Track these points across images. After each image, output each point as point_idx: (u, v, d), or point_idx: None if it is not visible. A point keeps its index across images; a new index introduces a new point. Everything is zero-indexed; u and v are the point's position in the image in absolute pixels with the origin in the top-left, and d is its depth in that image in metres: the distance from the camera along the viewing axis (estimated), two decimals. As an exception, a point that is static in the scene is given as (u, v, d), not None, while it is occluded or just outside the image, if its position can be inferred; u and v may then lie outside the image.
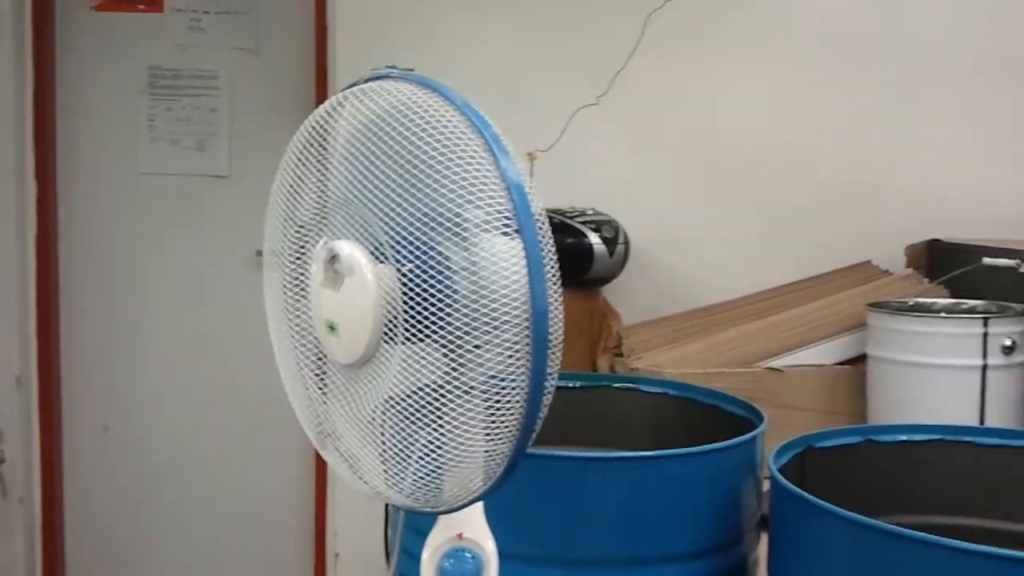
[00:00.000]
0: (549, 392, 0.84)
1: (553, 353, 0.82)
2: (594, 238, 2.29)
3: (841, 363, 2.09)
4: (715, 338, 2.16)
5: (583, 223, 2.31)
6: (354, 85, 0.90)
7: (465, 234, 0.84)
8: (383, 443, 0.92)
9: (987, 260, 1.98)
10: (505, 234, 0.83)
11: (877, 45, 2.61)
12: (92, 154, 3.04)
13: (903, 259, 2.41)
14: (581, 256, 2.28)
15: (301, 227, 0.94)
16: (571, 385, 1.69)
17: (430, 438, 0.88)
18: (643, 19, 2.58)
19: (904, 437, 1.37)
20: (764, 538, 1.29)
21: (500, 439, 0.87)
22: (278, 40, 3.01)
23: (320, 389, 0.98)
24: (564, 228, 2.29)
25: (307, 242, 0.94)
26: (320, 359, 0.96)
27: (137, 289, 3.09)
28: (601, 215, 2.37)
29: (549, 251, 0.83)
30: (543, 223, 0.83)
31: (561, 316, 0.83)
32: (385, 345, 0.87)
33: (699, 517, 1.24)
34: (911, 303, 2.06)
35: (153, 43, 3.00)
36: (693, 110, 2.63)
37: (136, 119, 3.03)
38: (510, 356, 0.84)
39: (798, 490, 1.08)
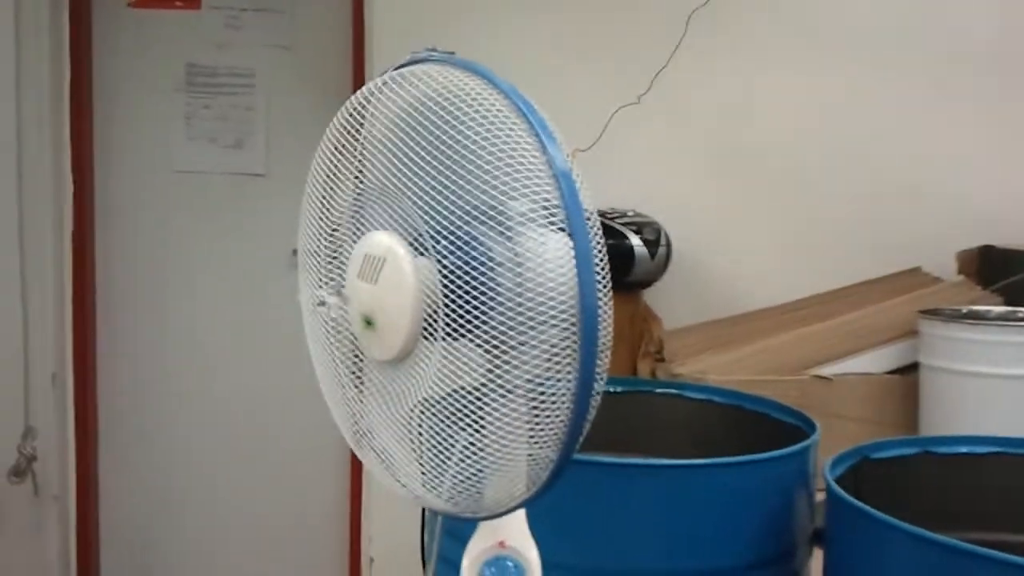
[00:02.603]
0: (597, 395, 0.79)
1: (602, 353, 0.78)
2: (635, 240, 2.23)
3: (890, 372, 2.02)
4: (759, 344, 2.10)
5: (624, 224, 2.26)
6: (392, 69, 0.86)
7: (508, 227, 0.79)
8: (420, 444, 0.88)
9: (1044, 266, 1.91)
10: (550, 227, 0.79)
11: (923, 46, 2.55)
12: (129, 152, 3.03)
13: (952, 265, 2.34)
14: (622, 258, 2.22)
15: (337, 221, 0.90)
16: (612, 390, 1.64)
17: (470, 440, 0.84)
18: (685, 18, 2.53)
19: (964, 449, 1.32)
20: (816, 554, 1.23)
21: (545, 443, 0.83)
22: (314, 37, 2.98)
23: (356, 387, 0.94)
24: (605, 229, 2.22)
25: (342, 236, 0.90)
26: (357, 357, 0.92)
27: (172, 287, 3.08)
28: (642, 217, 2.32)
29: (598, 244, 0.78)
30: (592, 214, 0.78)
31: (611, 314, 0.79)
32: (424, 342, 0.83)
33: (749, 529, 1.19)
34: (965, 311, 1.99)
35: (190, 40, 2.99)
36: (735, 110, 2.57)
37: (173, 117, 3.02)
38: (554, 356, 0.79)
39: (858, 502, 1.02)
